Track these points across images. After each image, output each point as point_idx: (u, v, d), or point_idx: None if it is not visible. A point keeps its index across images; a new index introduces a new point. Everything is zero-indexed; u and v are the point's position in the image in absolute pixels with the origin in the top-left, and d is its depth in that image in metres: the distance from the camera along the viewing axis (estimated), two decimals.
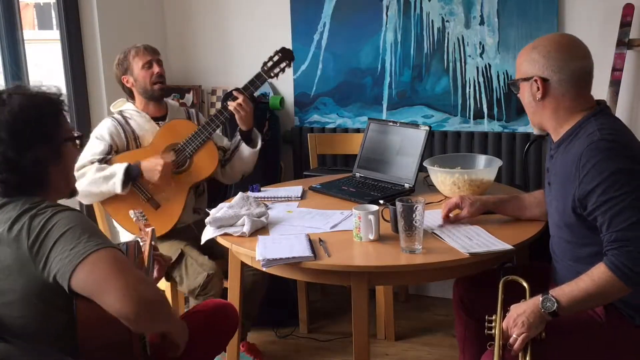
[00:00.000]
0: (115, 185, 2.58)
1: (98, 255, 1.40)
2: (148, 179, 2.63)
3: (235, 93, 2.75)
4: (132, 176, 2.61)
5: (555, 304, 1.64)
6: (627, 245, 1.62)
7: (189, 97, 3.68)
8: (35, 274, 1.43)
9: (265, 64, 2.78)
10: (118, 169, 2.59)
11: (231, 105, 2.74)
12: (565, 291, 1.66)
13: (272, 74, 2.77)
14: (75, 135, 1.66)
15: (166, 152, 2.71)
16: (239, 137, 2.84)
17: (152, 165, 2.61)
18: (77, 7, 3.21)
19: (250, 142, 2.85)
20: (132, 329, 1.42)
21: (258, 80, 2.76)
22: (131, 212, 1.96)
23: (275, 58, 2.77)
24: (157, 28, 3.75)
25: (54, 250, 1.41)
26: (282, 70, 2.78)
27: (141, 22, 3.60)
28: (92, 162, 2.62)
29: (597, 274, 1.64)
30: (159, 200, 2.68)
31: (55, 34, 3.20)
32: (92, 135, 2.73)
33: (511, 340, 1.68)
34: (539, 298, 1.67)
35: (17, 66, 2.88)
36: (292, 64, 2.82)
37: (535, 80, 1.81)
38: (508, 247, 1.93)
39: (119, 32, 3.36)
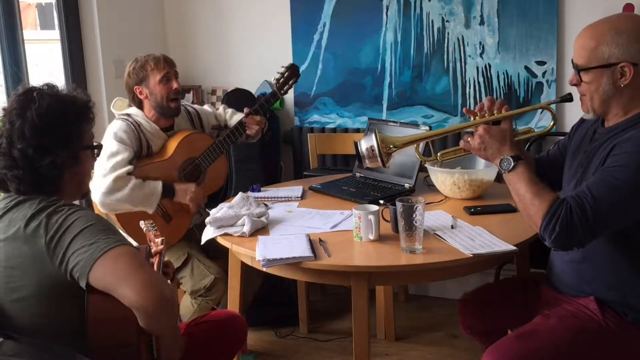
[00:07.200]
0: (152, 204, 2.54)
1: (119, 250, 1.43)
2: (179, 200, 2.60)
3: (252, 114, 2.76)
4: (165, 196, 2.58)
5: (508, 170, 1.76)
6: (582, 204, 1.60)
7: (189, 97, 3.68)
8: (50, 271, 1.45)
9: (277, 80, 2.79)
10: (156, 188, 2.53)
11: (249, 128, 2.74)
12: (526, 171, 1.73)
13: (282, 92, 2.80)
14: (95, 144, 1.68)
15: (186, 169, 2.70)
16: (245, 138, 2.82)
17: (185, 187, 2.61)
18: (77, 7, 3.22)
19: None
20: (146, 323, 1.43)
21: (273, 98, 2.79)
22: (142, 223, 1.96)
23: (286, 74, 2.79)
24: (157, 28, 3.75)
25: (72, 246, 1.43)
26: (290, 86, 2.82)
27: (141, 22, 3.60)
28: (129, 173, 2.50)
29: (548, 194, 1.68)
30: (172, 213, 2.66)
31: (56, 34, 3.20)
32: (110, 137, 2.55)
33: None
34: (504, 157, 1.79)
35: (17, 66, 2.88)
36: (297, 81, 2.85)
37: (623, 67, 1.68)
38: (511, 247, 1.92)
39: (119, 32, 3.36)
